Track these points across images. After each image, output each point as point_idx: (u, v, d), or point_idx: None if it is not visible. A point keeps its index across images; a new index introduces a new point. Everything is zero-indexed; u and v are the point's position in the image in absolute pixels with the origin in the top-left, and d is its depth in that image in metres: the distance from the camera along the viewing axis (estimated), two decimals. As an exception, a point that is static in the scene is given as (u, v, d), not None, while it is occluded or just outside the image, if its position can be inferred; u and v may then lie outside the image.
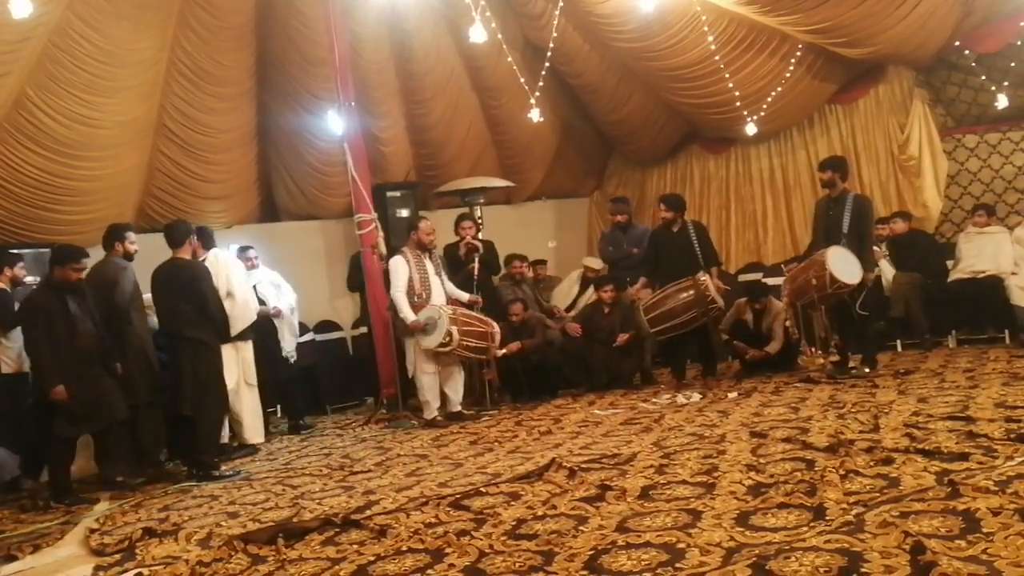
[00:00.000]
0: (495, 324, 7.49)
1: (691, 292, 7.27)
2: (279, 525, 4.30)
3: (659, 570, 3.02)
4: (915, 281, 8.36)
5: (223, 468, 6.20)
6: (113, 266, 6.35)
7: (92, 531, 4.75)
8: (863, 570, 2.74)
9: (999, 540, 2.85)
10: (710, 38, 9.18)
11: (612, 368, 8.19)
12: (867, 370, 7.03)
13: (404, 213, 9.79)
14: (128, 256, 6.47)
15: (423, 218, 7.81)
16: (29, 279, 7.11)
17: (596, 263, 10.02)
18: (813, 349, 7.64)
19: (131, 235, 6.60)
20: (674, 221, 7.67)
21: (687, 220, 7.78)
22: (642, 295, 8.11)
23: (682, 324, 7.32)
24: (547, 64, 9.30)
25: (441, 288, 7.49)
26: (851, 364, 7.20)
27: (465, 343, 7.16)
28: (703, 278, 7.30)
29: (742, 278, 10.00)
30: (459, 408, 7.45)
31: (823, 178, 7.22)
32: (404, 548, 3.67)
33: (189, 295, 6.16)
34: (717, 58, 9.37)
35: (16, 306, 6.55)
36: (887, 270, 8.48)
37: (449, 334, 7.03)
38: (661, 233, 7.83)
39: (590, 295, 9.23)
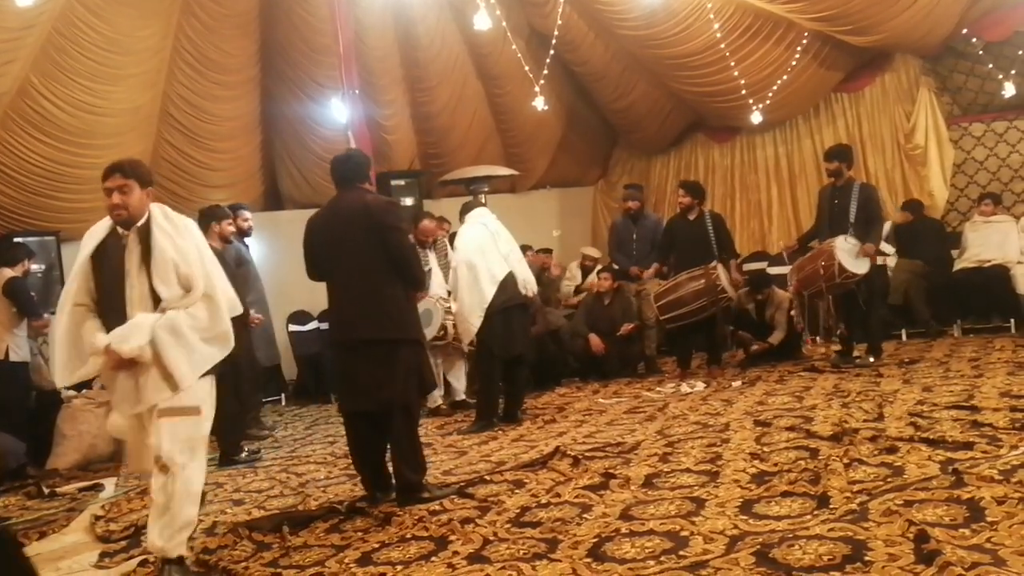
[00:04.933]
0: None
1: (702, 281, 7.24)
2: (284, 513, 4.32)
3: (663, 558, 3.02)
4: (916, 269, 8.35)
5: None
6: None
7: (98, 518, 4.76)
8: (867, 558, 2.74)
9: (1003, 529, 2.85)
10: (716, 26, 9.14)
11: (620, 356, 8.18)
12: (872, 359, 7.03)
13: (409, 201, 9.78)
14: (224, 238, 6.49)
15: (428, 215, 7.76)
16: (35, 267, 7.18)
17: (594, 252, 10.03)
18: (818, 338, 7.63)
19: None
20: (691, 208, 7.56)
21: (705, 209, 7.67)
22: (648, 285, 8.10)
23: (692, 312, 7.29)
24: (552, 52, 9.28)
25: (442, 279, 7.46)
26: (856, 353, 7.19)
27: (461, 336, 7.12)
28: (715, 268, 7.27)
29: (747, 267, 9.98)
30: (463, 396, 7.45)
31: (830, 168, 7.19)
32: (408, 535, 3.68)
33: None
34: (723, 46, 9.34)
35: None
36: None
37: (444, 328, 7.04)
38: (677, 220, 7.76)
39: (591, 282, 9.21)
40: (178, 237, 3.55)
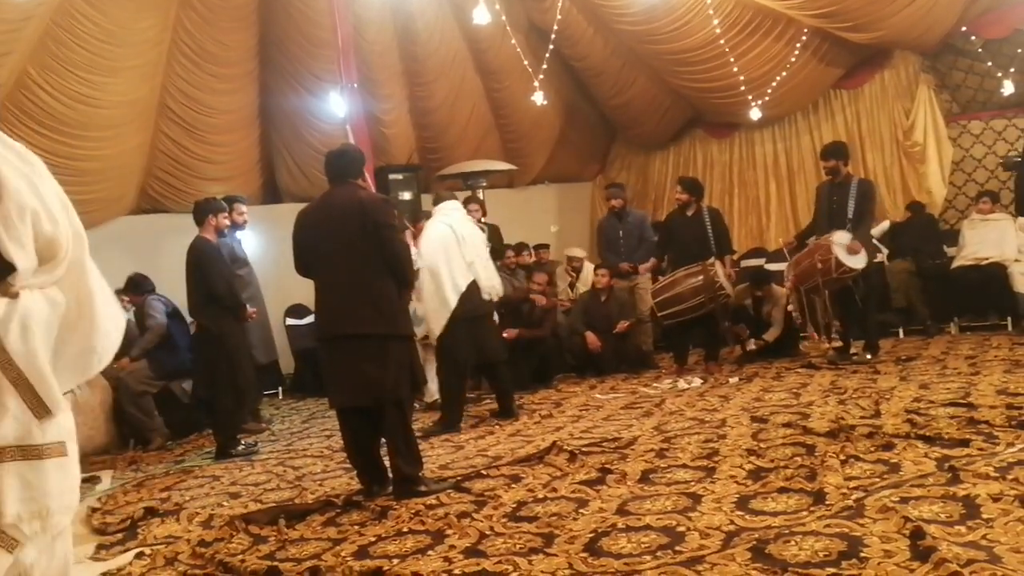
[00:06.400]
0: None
1: (700, 278, 7.23)
2: (280, 506, 4.32)
3: (659, 553, 3.02)
4: (909, 268, 8.37)
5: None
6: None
7: (94, 510, 4.76)
8: (862, 555, 2.74)
9: (999, 526, 2.86)
10: (715, 21, 9.14)
11: (616, 352, 8.18)
12: (869, 356, 7.03)
13: (406, 196, 9.77)
14: (219, 231, 6.34)
15: (428, 215, 7.75)
16: None
17: (579, 252, 10.03)
18: (815, 335, 7.63)
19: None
20: (689, 204, 7.53)
21: (703, 205, 7.64)
22: (641, 281, 8.10)
23: (690, 309, 7.29)
24: (551, 47, 9.27)
25: None
26: (853, 350, 7.20)
27: None
28: (713, 264, 7.27)
29: (745, 263, 9.98)
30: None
31: (827, 166, 7.19)
32: (405, 529, 3.68)
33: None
34: (722, 42, 9.33)
35: None
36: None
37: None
38: (675, 216, 7.75)
39: (585, 278, 9.21)
40: (35, 176, 2.05)
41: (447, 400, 6.39)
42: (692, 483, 3.87)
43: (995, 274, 7.94)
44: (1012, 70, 9.11)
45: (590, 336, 8.08)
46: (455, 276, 6.06)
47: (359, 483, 4.49)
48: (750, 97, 9.86)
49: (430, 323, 6.18)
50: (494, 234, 8.66)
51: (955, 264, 8.35)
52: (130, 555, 3.82)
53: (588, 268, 9.60)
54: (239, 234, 7.43)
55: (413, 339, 4.58)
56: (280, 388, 9.04)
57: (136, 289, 7.25)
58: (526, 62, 9.31)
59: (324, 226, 4.36)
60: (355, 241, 4.27)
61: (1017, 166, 8.92)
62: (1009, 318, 7.98)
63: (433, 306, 6.12)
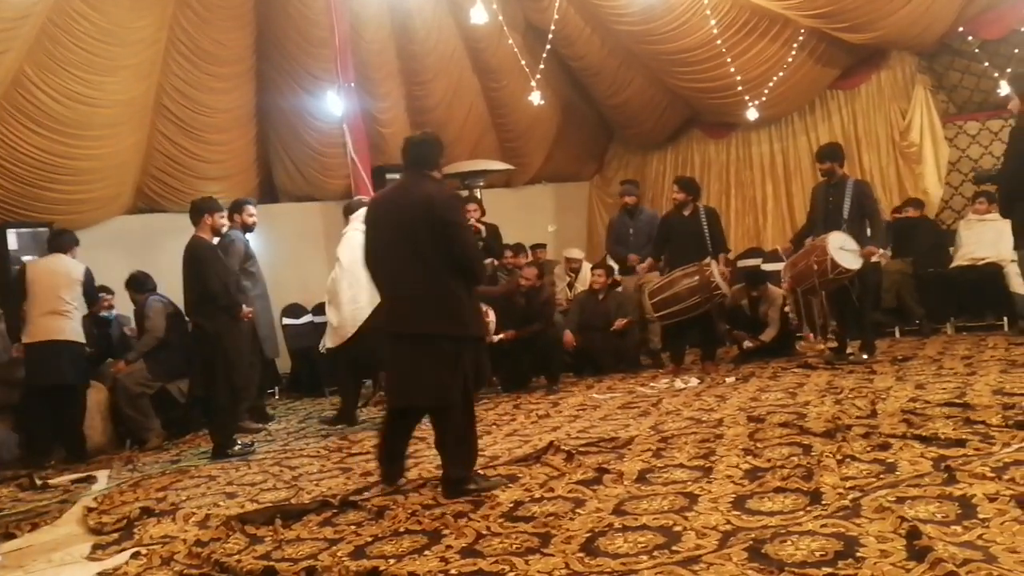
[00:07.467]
0: (490, 312, 7.40)
1: (696, 278, 7.23)
2: (277, 506, 4.31)
3: (655, 553, 3.02)
4: (904, 269, 8.38)
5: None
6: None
7: (90, 510, 4.76)
8: (859, 554, 2.74)
9: (995, 526, 2.86)
10: (712, 22, 9.16)
11: (614, 352, 8.17)
12: (865, 356, 7.04)
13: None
14: (215, 230, 6.29)
15: None
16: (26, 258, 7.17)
17: (578, 252, 10.01)
18: (812, 335, 7.64)
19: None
20: (685, 204, 7.52)
21: (700, 205, 7.62)
22: (647, 277, 8.11)
23: (686, 309, 7.28)
24: (548, 47, 9.27)
25: None
26: (849, 350, 7.21)
27: None
28: (709, 264, 7.27)
29: (741, 264, 9.98)
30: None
31: (823, 168, 7.20)
32: (402, 529, 3.68)
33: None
34: (719, 42, 9.35)
35: None
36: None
37: None
38: (672, 216, 7.74)
39: (583, 278, 9.22)
40: None
41: (346, 399, 6.86)
42: (689, 483, 3.87)
43: (992, 274, 7.95)
44: (1008, 70, 9.11)
45: (567, 334, 8.01)
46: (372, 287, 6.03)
47: (377, 472, 4.53)
48: (747, 97, 9.88)
49: (345, 327, 6.44)
50: (493, 234, 8.66)
51: (952, 264, 8.36)
52: (126, 555, 3.82)
53: (586, 269, 9.59)
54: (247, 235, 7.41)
55: (483, 339, 4.46)
56: (276, 388, 9.04)
57: (138, 288, 7.25)
58: (523, 61, 9.31)
59: (392, 219, 4.21)
60: (422, 237, 4.08)
61: (992, 178, 8.92)
62: (1005, 318, 7.99)
63: (347, 312, 6.41)
